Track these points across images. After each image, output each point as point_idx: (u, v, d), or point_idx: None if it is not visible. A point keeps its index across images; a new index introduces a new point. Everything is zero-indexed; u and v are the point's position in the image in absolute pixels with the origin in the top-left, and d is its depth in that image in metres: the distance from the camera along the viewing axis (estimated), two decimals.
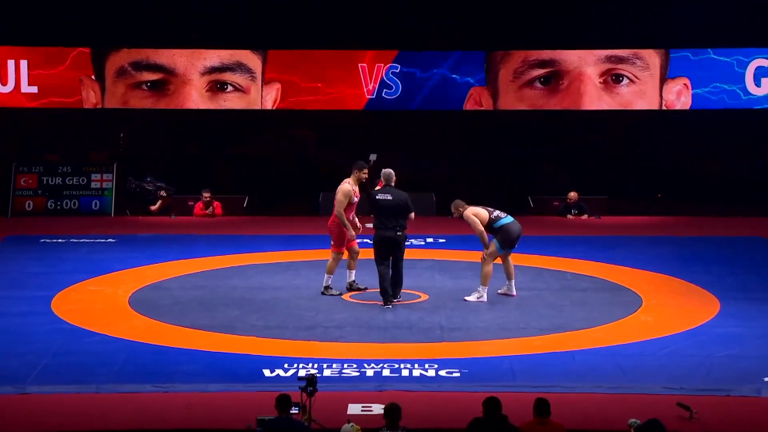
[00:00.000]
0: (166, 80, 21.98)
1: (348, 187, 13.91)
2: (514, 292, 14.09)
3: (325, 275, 14.10)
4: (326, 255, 14.43)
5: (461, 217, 13.91)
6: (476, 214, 13.79)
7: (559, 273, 15.80)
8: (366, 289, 14.38)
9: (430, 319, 13.01)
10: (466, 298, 13.87)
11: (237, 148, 24.44)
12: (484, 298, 13.78)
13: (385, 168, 14.00)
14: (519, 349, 11.82)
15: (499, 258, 13.90)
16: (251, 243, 18.23)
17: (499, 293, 14.10)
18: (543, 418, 8.55)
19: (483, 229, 13.79)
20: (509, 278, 14.09)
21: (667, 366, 11.17)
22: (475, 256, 14.39)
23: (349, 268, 14.33)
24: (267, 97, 22.10)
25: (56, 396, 10.25)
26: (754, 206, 22.22)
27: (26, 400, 10.14)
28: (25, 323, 12.82)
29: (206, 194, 21.53)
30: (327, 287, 14.07)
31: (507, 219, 13.81)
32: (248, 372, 10.93)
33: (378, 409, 9.57)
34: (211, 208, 21.43)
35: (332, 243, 14.07)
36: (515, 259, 14.92)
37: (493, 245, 13.76)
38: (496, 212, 13.83)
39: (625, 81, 21.90)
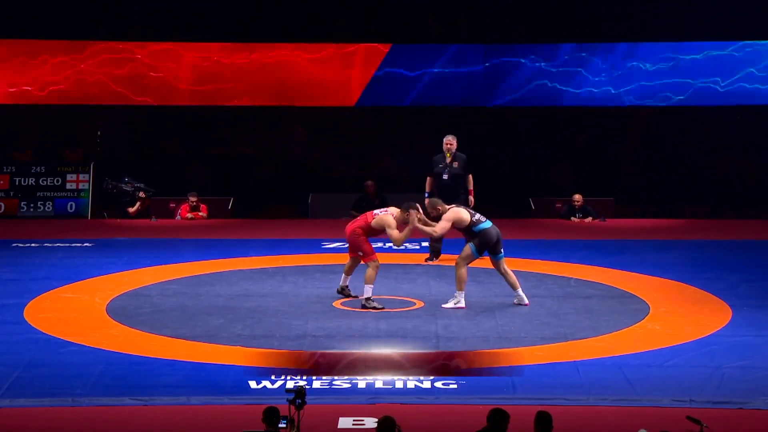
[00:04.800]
0: (146, 75, 21.97)
1: (392, 220, 13.88)
2: (526, 301, 14.04)
3: (365, 286, 13.86)
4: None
5: (439, 217, 13.93)
6: (459, 220, 13.79)
7: (562, 279, 15.81)
8: (357, 297, 14.39)
9: (426, 328, 13.01)
10: (444, 305, 13.90)
11: (221, 146, 24.47)
12: (462, 304, 13.81)
13: None
14: (519, 359, 11.84)
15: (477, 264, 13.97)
16: (236, 247, 18.22)
17: (514, 303, 14.09)
18: None
19: (443, 233, 13.92)
20: (515, 288, 14.07)
21: (676, 377, 11.20)
22: (473, 262, 14.39)
23: (347, 273, 14.31)
24: None
25: (29, 410, 10.24)
26: None
27: None
28: None
29: (193, 198, 21.53)
30: (368, 299, 13.84)
31: (486, 224, 13.83)
32: (233, 384, 10.93)
33: (370, 422, 9.59)
34: (200, 214, 21.44)
35: (361, 254, 13.94)
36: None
37: (469, 249, 13.79)
38: (477, 215, 13.88)
39: None
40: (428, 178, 16.52)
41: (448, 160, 16.32)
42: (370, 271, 13.85)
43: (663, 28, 22.18)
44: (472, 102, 22.25)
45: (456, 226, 13.88)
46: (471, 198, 16.42)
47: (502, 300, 14.22)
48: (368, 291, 13.86)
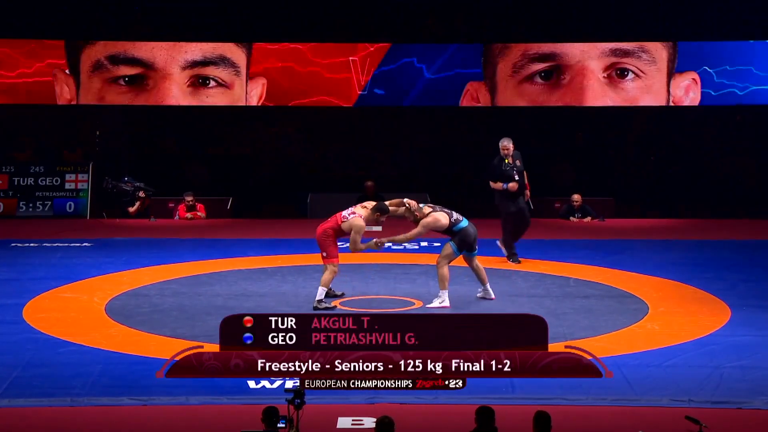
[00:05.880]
0: (145, 75, 21.98)
1: (361, 224, 13.88)
2: (492, 296, 14.13)
3: (320, 288, 13.82)
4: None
5: (416, 220, 13.98)
6: (437, 226, 13.86)
7: (561, 279, 15.82)
8: (342, 295, 14.37)
9: None
10: (428, 305, 13.92)
11: (220, 146, 24.48)
12: (447, 303, 13.84)
13: None
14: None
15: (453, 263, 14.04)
16: (235, 247, 18.23)
17: (477, 296, 14.14)
18: None
19: (414, 237, 14.05)
20: (483, 283, 14.18)
21: (674, 377, 11.20)
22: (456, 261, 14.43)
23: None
24: (252, 93, 22.12)
25: (28, 410, 10.24)
26: None
27: None
28: None
29: (189, 198, 21.51)
30: (320, 301, 13.80)
31: (464, 222, 13.93)
32: (232, 383, 10.91)
33: (369, 422, 9.59)
34: (198, 213, 21.43)
35: (324, 255, 13.94)
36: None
37: (449, 247, 13.89)
38: (455, 215, 13.96)
39: (631, 75, 21.96)
40: (491, 183, 16.71)
41: (510, 162, 16.65)
42: (327, 275, 13.79)
43: (667, 23, 22.19)
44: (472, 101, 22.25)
45: (435, 229, 13.97)
46: (527, 192, 16.87)
47: (501, 299, 14.23)
48: (321, 293, 13.77)
